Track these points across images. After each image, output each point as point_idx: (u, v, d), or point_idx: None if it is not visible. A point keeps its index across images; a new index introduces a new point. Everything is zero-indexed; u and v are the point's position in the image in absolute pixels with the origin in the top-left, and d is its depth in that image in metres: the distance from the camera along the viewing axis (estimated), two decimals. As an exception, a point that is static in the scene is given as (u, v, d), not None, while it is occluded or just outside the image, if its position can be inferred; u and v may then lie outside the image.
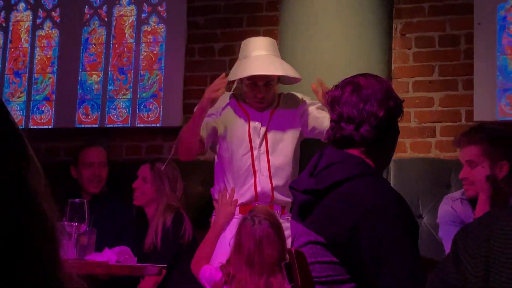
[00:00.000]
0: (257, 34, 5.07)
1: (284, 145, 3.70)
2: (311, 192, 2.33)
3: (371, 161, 2.37)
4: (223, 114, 3.79)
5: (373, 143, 2.36)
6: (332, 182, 2.28)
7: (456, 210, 3.45)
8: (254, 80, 3.66)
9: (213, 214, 3.81)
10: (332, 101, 2.43)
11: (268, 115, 3.72)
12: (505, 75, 4.75)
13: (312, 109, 3.72)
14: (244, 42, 3.90)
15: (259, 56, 3.74)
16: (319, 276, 2.23)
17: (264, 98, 3.70)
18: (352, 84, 2.40)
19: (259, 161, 3.67)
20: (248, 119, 3.71)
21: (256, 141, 3.68)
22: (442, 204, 3.56)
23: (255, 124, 3.69)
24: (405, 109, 2.55)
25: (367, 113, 2.33)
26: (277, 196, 3.66)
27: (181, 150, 3.83)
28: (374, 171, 2.36)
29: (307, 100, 3.77)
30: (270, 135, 3.69)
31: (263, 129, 3.69)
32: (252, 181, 3.65)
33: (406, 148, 4.68)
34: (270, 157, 3.67)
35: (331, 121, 2.44)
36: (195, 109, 3.74)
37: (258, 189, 3.64)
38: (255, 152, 3.67)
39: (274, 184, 3.66)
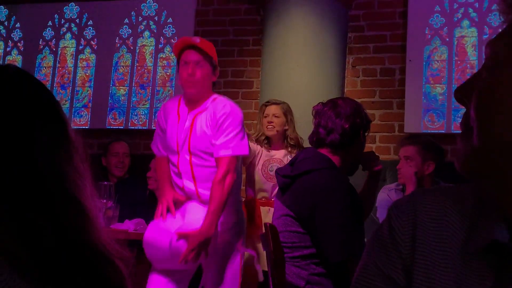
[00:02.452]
0: (244, 63, 5.09)
1: (205, 146, 2.76)
2: (287, 176, 2.34)
3: (337, 160, 2.36)
4: (168, 118, 2.93)
5: (339, 147, 2.36)
6: (301, 171, 2.29)
7: (390, 197, 3.44)
8: (186, 59, 2.81)
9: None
10: (315, 113, 2.44)
11: (192, 118, 2.81)
12: (428, 99, 4.76)
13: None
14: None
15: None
16: (286, 242, 2.23)
17: (194, 76, 2.76)
18: (332, 102, 2.42)
19: (183, 163, 2.80)
20: (178, 122, 2.85)
21: (181, 144, 2.80)
22: (380, 193, 3.53)
23: (183, 126, 2.82)
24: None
25: (337, 125, 2.34)
26: (203, 194, 2.78)
27: None
28: (335, 167, 2.34)
29: (227, 111, 2.77)
30: (192, 139, 2.78)
31: (187, 133, 2.79)
32: (180, 181, 2.82)
33: (353, 151, 4.66)
34: (192, 159, 2.78)
35: (314, 127, 2.44)
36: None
37: (185, 189, 2.80)
38: (181, 154, 2.80)
39: (197, 183, 2.79)
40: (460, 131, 0.77)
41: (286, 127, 3.68)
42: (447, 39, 4.81)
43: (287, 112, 3.71)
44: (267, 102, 3.84)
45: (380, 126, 4.76)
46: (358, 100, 4.67)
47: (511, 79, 0.69)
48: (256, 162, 3.67)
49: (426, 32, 4.82)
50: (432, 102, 4.74)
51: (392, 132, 4.73)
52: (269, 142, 3.69)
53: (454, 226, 0.76)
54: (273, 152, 3.68)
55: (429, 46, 4.81)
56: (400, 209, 0.81)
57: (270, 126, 3.65)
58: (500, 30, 0.75)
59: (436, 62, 4.80)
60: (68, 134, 0.81)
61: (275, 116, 3.67)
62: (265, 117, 3.70)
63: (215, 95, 2.86)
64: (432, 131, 4.65)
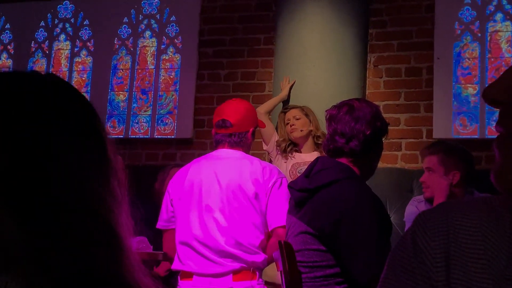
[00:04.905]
0: (255, 63, 5.14)
1: None
2: (305, 190, 2.31)
3: (357, 169, 2.35)
4: None
5: (360, 155, 2.34)
6: (321, 183, 2.27)
7: (419, 209, 3.41)
8: None
9: None
10: (329, 118, 2.41)
11: None
12: (459, 101, 4.74)
13: None
14: None
15: None
16: (306, 261, 2.21)
17: None
18: (348, 105, 2.39)
19: None
20: None
21: None
22: (408, 205, 3.50)
23: None
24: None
25: (357, 131, 2.32)
26: None
27: None
28: (357, 176, 2.33)
29: None
30: None
31: None
32: None
33: (377, 159, 4.66)
34: None
35: (328, 134, 2.42)
36: None
37: None
38: None
39: None
40: (496, 138, 0.73)
41: (311, 128, 3.86)
42: (479, 35, 4.81)
43: (308, 113, 3.93)
44: (286, 108, 4.10)
45: (406, 132, 4.76)
46: (382, 103, 4.73)
47: None
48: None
49: (456, 27, 4.82)
50: (464, 104, 4.74)
51: (419, 138, 4.72)
52: (297, 146, 3.89)
53: (493, 248, 0.71)
54: (304, 155, 3.83)
55: (459, 42, 4.82)
56: (428, 224, 0.75)
57: (294, 129, 3.85)
58: None
59: (467, 60, 4.80)
60: (106, 153, 0.79)
61: (296, 119, 3.87)
62: (287, 123, 3.91)
63: None
64: (464, 137, 4.65)
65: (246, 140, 2.77)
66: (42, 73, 0.80)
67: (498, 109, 0.73)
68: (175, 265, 2.69)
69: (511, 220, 0.72)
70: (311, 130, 3.86)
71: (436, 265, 0.72)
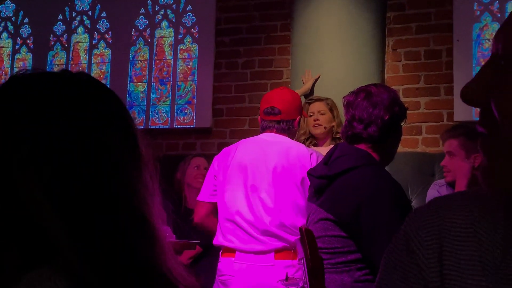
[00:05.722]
0: (272, 51, 5.18)
1: None
2: (324, 177, 2.34)
3: (376, 155, 2.37)
4: None
5: (378, 141, 2.36)
6: (340, 170, 2.29)
7: (441, 194, 3.39)
8: None
9: None
10: (347, 104, 2.42)
11: None
12: (480, 83, 4.68)
13: None
14: None
15: None
16: (327, 247, 2.23)
17: None
18: (365, 91, 2.40)
19: None
20: None
21: None
22: (430, 189, 3.52)
23: None
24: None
25: (375, 116, 2.33)
26: None
27: None
28: (377, 162, 2.34)
29: None
30: None
31: None
32: None
33: (398, 144, 4.67)
34: None
35: (346, 120, 2.44)
36: None
37: None
38: None
39: None
40: (480, 140, 0.71)
41: (333, 124, 3.88)
42: (499, 15, 4.76)
43: (333, 107, 3.94)
44: (310, 99, 4.07)
45: (427, 115, 4.75)
46: (401, 87, 4.70)
47: None
48: None
49: (475, 8, 4.78)
50: (485, 86, 4.67)
51: (440, 122, 4.72)
52: (315, 140, 3.89)
53: (487, 244, 0.71)
54: (321, 149, 3.76)
55: (479, 23, 4.78)
56: (419, 223, 0.75)
57: (317, 124, 3.84)
58: None
59: (487, 41, 4.76)
60: (138, 147, 0.83)
61: (321, 114, 3.88)
62: (310, 115, 3.89)
63: None
64: (486, 119, 4.57)
65: (293, 128, 2.91)
66: (73, 72, 0.84)
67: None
68: (217, 241, 2.79)
69: (504, 215, 0.71)
70: (333, 126, 3.87)
71: (429, 265, 0.72)
